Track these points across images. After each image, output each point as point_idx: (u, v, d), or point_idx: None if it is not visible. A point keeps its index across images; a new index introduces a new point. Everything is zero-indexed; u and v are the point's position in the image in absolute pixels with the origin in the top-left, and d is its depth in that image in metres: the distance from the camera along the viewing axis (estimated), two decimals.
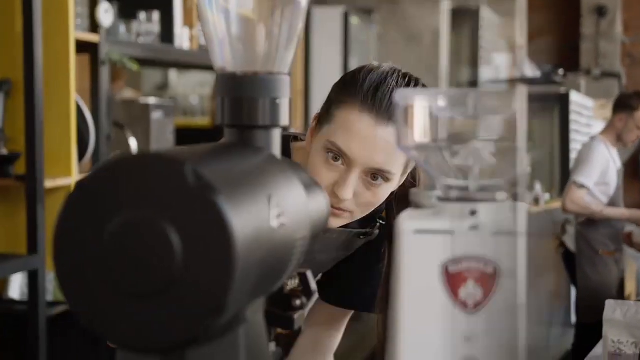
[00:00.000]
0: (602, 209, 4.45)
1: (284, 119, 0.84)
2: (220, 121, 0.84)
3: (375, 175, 1.27)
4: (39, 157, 2.43)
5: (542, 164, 6.90)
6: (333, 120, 1.27)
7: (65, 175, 2.57)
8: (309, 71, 4.74)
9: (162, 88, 5.68)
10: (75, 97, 2.60)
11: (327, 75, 5.09)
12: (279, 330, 0.96)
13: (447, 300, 0.70)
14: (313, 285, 0.94)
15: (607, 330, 1.93)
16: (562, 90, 6.87)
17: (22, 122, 2.47)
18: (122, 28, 3.04)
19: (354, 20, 5.23)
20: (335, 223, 1.31)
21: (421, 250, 0.71)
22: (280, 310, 0.87)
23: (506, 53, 5.20)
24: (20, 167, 2.48)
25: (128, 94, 4.13)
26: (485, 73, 5.18)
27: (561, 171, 7.00)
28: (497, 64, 5.19)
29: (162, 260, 0.62)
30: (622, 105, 4.55)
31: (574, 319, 5.01)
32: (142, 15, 3.13)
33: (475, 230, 0.70)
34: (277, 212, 0.71)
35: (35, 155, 2.42)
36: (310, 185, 0.88)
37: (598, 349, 2.13)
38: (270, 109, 0.83)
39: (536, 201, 6.00)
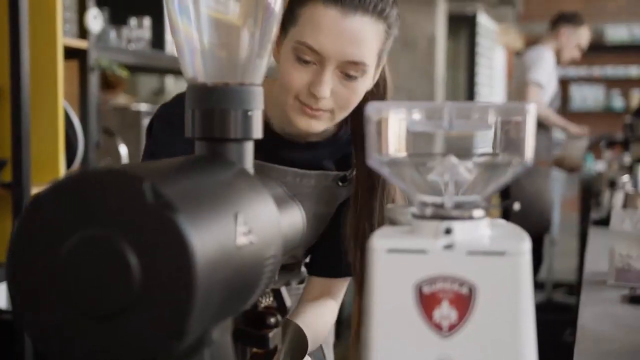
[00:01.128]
0: (556, 118, 4.49)
1: (257, 131, 0.81)
2: (191, 134, 0.81)
3: (349, 71, 1.23)
4: (26, 164, 2.39)
5: (449, 85, 6.99)
6: (298, 20, 1.24)
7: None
8: None
9: (158, 93, 5.65)
10: (64, 104, 2.57)
11: None
12: (254, 349, 0.93)
13: (421, 322, 0.68)
14: (288, 302, 0.91)
15: (614, 242, 1.77)
16: (469, 11, 6.96)
17: (8, 128, 2.44)
18: (113, 34, 3.01)
19: None
20: (317, 126, 1.28)
21: (394, 269, 0.68)
22: (254, 329, 0.84)
23: None
24: (6, 175, 2.45)
25: (122, 99, 4.10)
26: None
27: (467, 94, 7.14)
28: None
29: (120, 280, 0.59)
30: (568, 20, 4.58)
31: None
32: (133, 21, 3.10)
33: (451, 249, 0.67)
34: (244, 229, 0.68)
35: (22, 162, 2.38)
36: (284, 200, 0.85)
37: (600, 266, 1.91)
38: (242, 121, 0.80)
39: None
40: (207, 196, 0.65)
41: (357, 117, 1.32)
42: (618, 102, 10.19)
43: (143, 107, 3.30)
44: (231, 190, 0.70)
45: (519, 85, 4.63)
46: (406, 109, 0.69)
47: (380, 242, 0.68)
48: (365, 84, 1.27)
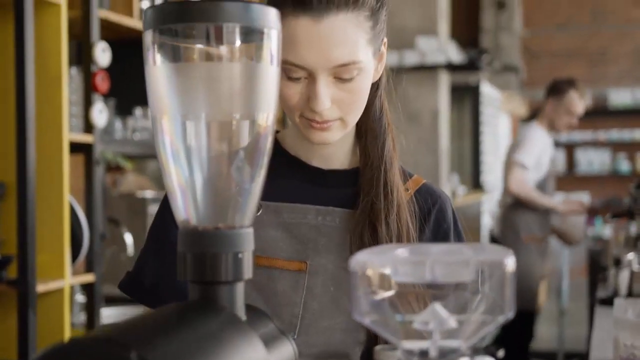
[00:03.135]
0: (541, 199, 4.45)
1: (247, 272, 0.83)
2: (183, 277, 0.83)
3: (343, 74, 1.15)
4: (31, 261, 2.42)
5: (454, 155, 7.00)
6: None
7: (58, 278, 2.55)
8: None
9: None
10: (69, 198, 2.61)
11: None
12: None
13: None
14: None
15: (617, 332, 1.71)
16: (473, 81, 7.03)
17: (14, 225, 2.47)
18: (118, 124, 3.07)
19: None
20: (331, 137, 1.20)
21: None
22: None
23: (431, 37, 5.31)
24: (12, 271, 2.47)
25: (131, 178, 4.14)
26: (410, 57, 5.27)
27: (472, 163, 7.15)
28: (422, 49, 5.29)
29: None
30: (552, 90, 4.63)
31: None
32: (138, 111, 3.16)
33: None
34: None
35: (27, 260, 2.41)
36: (275, 337, 0.86)
37: (607, 353, 1.89)
38: (233, 264, 0.82)
39: (453, 194, 6.05)
40: (195, 355, 0.66)
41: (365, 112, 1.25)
42: (624, 166, 10.22)
43: (149, 194, 3.33)
44: (220, 344, 0.71)
45: (506, 161, 4.68)
46: (391, 263, 0.71)
47: None
48: (367, 79, 1.20)
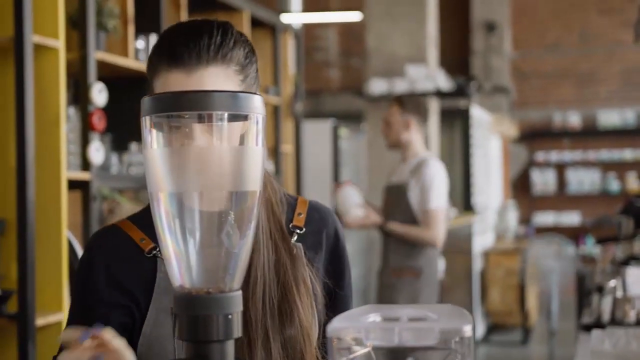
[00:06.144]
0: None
1: (237, 331, 0.92)
2: (178, 336, 0.92)
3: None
4: (31, 295, 2.50)
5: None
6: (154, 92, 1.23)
7: (57, 311, 2.63)
8: (300, 183, 4.86)
9: None
10: (67, 234, 2.69)
11: (318, 186, 5.21)
12: None
13: None
14: None
15: None
16: (462, 105, 7.13)
17: (14, 260, 2.55)
18: (115, 159, 3.15)
19: (343, 131, 5.38)
20: None
21: None
22: None
23: (421, 65, 5.40)
24: (12, 305, 2.55)
25: (127, 207, 4.20)
26: (400, 85, 5.33)
27: (463, 185, 7.25)
28: (411, 77, 5.35)
29: None
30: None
31: None
32: (134, 146, 3.25)
33: None
34: None
35: (27, 294, 2.49)
36: None
37: None
38: (224, 324, 0.91)
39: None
40: None
41: None
42: (614, 185, 10.33)
43: None
44: None
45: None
46: (364, 330, 0.80)
47: None
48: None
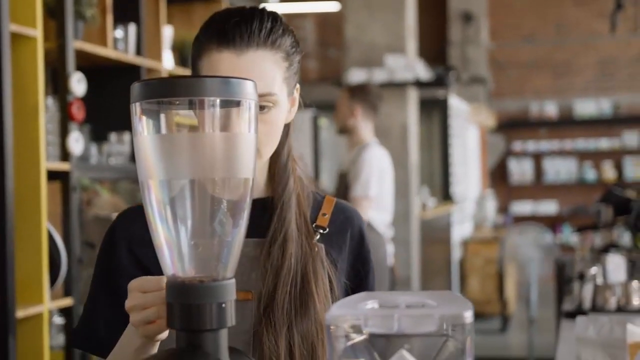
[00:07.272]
0: None
1: (230, 320, 0.91)
2: (171, 326, 0.91)
3: (259, 103, 1.18)
4: (11, 289, 2.47)
5: (424, 168, 7.13)
6: (200, 73, 1.26)
7: (37, 303, 2.60)
8: None
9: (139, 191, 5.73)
10: (47, 225, 2.66)
11: None
12: None
13: None
14: None
15: (580, 349, 1.79)
16: (441, 95, 7.18)
17: None
18: (94, 150, 3.12)
19: (322, 122, 5.36)
20: None
21: None
22: None
23: (400, 55, 5.42)
24: None
25: (105, 198, 4.17)
26: (379, 75, 5.37)
27: (442, 175, 7.31)
28: (390, 67, 5.39)
29: None
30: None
31: None
32: (113, 136, 3.22)
33: None
34: None
35: (7, 286, 2.46)
36: None
37: None
38: (217, 313, 0.90)
39: (424, 207, 6.12)
40: None
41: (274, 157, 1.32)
42: (590, 174, 10.41)
43: None
44: None
45: None
46: (363, 317, 0.79)
47: None
48: (281, 114, 1.28)
